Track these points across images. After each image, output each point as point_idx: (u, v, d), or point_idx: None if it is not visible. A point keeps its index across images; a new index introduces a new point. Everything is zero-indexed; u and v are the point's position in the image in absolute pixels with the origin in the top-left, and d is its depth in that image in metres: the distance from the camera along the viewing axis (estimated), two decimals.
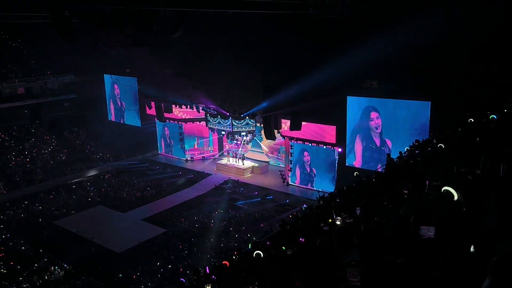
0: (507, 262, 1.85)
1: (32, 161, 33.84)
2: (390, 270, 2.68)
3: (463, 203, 4.03)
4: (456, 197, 4.02)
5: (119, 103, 38.53)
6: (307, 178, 29.29)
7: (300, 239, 7.63)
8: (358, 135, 25.09)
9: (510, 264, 1.84)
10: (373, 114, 24.27)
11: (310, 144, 28.32)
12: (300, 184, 29.60)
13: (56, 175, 33.02)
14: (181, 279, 9.86)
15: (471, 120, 10.09)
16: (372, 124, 24.40)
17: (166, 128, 37.48)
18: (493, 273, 1.88)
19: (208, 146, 37.07)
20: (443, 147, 8.43)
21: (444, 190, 4.08)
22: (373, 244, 2.83)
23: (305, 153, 28.90)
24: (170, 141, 37.71)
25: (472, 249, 2.53)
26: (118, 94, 38.19)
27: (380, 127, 24.26)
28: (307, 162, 28.90)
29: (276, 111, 27.60)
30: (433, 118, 21.91)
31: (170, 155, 37.83)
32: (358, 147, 25.23)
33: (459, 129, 10.17)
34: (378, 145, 24.28)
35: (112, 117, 39.49)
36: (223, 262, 9.50)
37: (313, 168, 28.81)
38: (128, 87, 36.87)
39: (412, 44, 20.13)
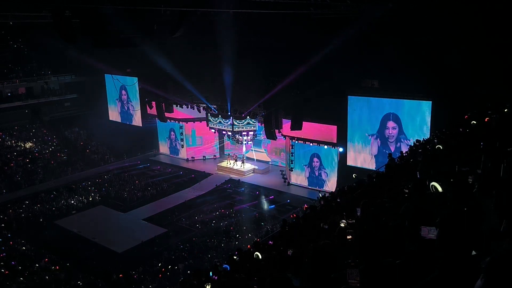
0: (501, 263, 1.84)
1: (32, 161, 33.86)
2: (390, 271, 2.68)
3: (450, 196, 4.10)
4: (440, 189, 4.52)
5: (126, 107, 38.59)
6: (314, 181, 29.13)
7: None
8: (376, 140, 24.80)
9: (504, 265, 1.83)
10: (390, 124, 24.05)
11: (318, 145, 28.12)
12: (308, 186, 29.32)
13: (57, 175, 33.05)
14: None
15: (472, 122, 10.07)
16: (387, 133, 24.26)
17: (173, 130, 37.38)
18: (486, 274, 1.86)
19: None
20: (441, 148, 8.42)
21: (432, 185, 4.63)
22: (372, 245, 2.82)
23: (315, 159, 28.71)
24: (176, 143, 37.37)
25: (473, 252, 2.53)
26: (125, 100, 38.28)
27: (394, 138, 24.01)
28: (316, 167, 28.80)
29: (277, 110, 27.55)
30: (433, 118, 21.91)
31: (175, 156, 37.56)
32: (374, 150, 25.06)
33: (460, 129, 10.16)
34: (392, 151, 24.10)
35: (118, 118, 39.55)
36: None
37: (322, 172, 28.61)
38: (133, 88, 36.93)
39: (413, 44, 20.16)
